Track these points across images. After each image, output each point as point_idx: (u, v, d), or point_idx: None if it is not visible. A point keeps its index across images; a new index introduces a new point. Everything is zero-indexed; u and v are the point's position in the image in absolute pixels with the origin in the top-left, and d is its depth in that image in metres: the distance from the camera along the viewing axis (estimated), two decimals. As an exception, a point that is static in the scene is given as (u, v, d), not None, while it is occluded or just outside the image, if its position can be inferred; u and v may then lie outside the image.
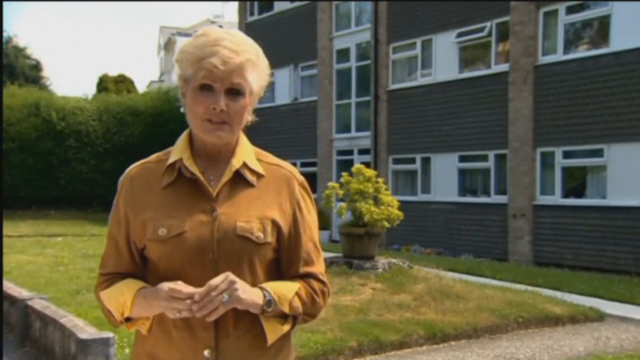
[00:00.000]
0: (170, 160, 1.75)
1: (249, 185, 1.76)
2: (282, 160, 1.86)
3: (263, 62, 1.75)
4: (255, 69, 1.72)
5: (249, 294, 1.64)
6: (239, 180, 1.75)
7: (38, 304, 6.27)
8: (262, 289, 1.69)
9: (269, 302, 1.67)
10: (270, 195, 1.77)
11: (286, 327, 1.75)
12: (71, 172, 22.03)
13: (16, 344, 6.34)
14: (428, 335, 6.73)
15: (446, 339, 6.81)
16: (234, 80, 1.67)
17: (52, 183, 21.74)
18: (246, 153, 1.79)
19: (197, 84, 1.67)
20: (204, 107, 1.67)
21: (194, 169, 1.73)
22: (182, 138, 1.80)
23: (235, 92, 1.68)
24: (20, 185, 20.95)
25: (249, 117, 1.76)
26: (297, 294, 1.74)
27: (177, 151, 1.77)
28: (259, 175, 1.78)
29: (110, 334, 5.08)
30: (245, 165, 1.76)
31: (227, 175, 1.74)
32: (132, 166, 1.83)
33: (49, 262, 10.76)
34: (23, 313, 6.41)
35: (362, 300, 7.52)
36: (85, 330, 5.17)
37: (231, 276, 1.62)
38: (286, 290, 1.72)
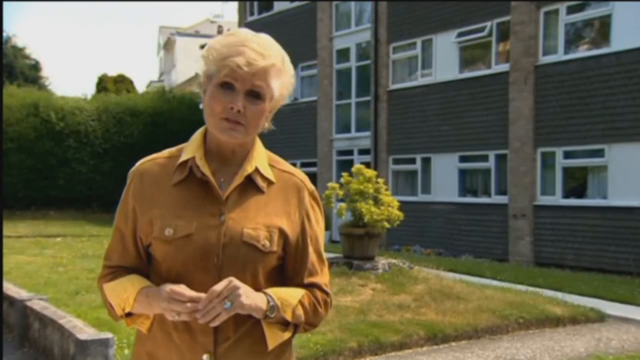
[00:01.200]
0: (183, 158, 1.73)
1: (259, 191, 1.74)
2: (295, 168, 1.84)
3: (289, 70, 1.73)
4: (280, 76, 1.70)
5: (252, 299, 1.62)
6: (250, 186, 1.73)
7: (37, 304, 6.24)
8: (265, 294, 1.67)
9: (272, 308, 1.66)
10: (280, 203, 1.75)
11: (287, 335, 1.73)
12: (70, 173, 21.99)
13: (15, 345, 6.32)
14: (428, 336, 6.71)
15: (446, 340, 6.79)
16: (255, 82, 1.65)
17: (51, 183, 21.70)
18: (259, 158, 1.77)
19: (218, 82, 1.65)
20: (222, 105, 1.65)
21: (205, 169, 1.71)
22: (197, 136, 1.78)
23: (255, 95, 1.66)
24: (20, 186, 20.91)
25: (266, 124, 1.74)
26: (300, 302, 1.72)
27: (190, 149, 1.74)
28: (269, 182, 1.76)
29: (109, 335, 5.06)
30: (257, 170, 1.74)
31: (238, 180, 1.72)
32: (143, 160, 1.80)
33: (48, 263, 10.74)
34: (22, 314, 6.38)
35: (362, 301, 7.50)
36: (85, 331, 5.14)
37: (234, 282, 1.60)
38: (290, 297, 1.71)
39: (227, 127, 1.66)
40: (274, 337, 1.70)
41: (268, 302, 1.66)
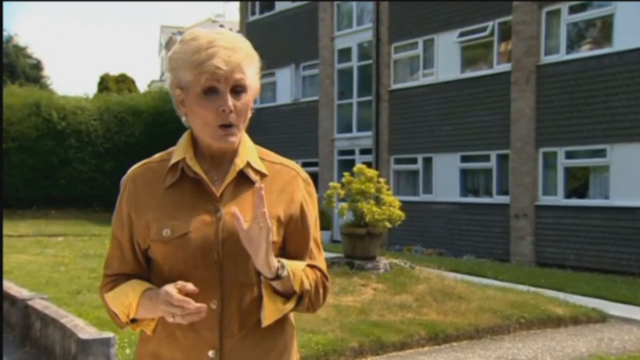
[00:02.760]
0: (173, 160, 1.74)
1: (253, 185, 1.74)
2: (285, 159, 1.85)
3: (256, 56, 1.75)
4: (252, 63, 1.72)
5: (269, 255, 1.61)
6: (243, 180, 1.74)
7: (38, 304, 6.25)
8: (278, 260, 1.66)
9: (282, 267, 1.64)
10: (275, 194, 1.75)
11: (288, 307, 1.70)
12: (72, 172, 21.99)
13: (16, 344, 6.32)
14: (430, 335, 6.71)
15: (448, 340, 6.79)
16: (236, 77, 1.66)
17: (53, 183, 21.70)
18: (249, 152, 1.78)
19: (201, 89, 1.65)
20: (213, 112, 1.65)
21: (197, 168, 1.72)
22: (185, 138, 1.79)
23: (239, 90, 1.67)
24: (21, 185, 20.92)
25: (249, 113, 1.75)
26: (304, 272, 1.72)
27: (180, 151, 1.75)
28: (262, 175, 1.76)
29: (110, 334, 5.06)
30: (248, 164, 1.75)
31: (230, 176, 1.73)
32: (134, 166, 1.81)
33: (50, 262, 10.74)
34: (23, 313, 6.39)
35: (363, 301, 7.50)
36: (86, 331, 5.15)
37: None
38: (295, 266, 1.70)
39: (224, 134, 1.67)
40: (273, 309, 1.67)
41: (279, 261, 1.65)
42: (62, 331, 5.38)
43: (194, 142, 1.76)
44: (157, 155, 1.82)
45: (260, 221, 1.58)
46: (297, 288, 1.68)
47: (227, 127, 1.66)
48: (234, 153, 1.75)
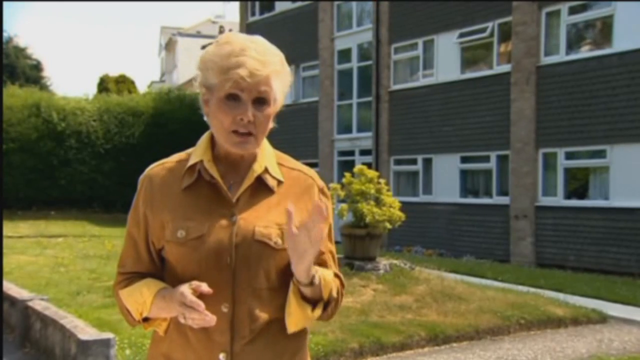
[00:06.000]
0: (191, 162, 1.75)
1: (269, 191, 1.75)
2: (303, 165, 1.85)
3: (286, 69, 1.74)
4: (279, 78, 1.71)
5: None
6: (260, 186, 1.75)
7: (38, 304, 6.25)
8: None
9: (316, 272, 1.66)
10: (290, 201, 1.75)
11: (316, 314, 1.71)
12: (72, 173, 21.96)
13: (16, 345, 6.32)
14: (429, 336, 6.71)
15: (448, 341, 6.79)
16: (260, 89, 1.66)
17: (53, 184, 21.67)
18: (268, 158, 1.78)
19: (224, 94, 1.65)
20: (231, 117, 1.65)
21: (214, 172, 1.72)
22: (204, 140, 1.79)
23: (261, 101, 1.67)
24: (21, 186, 20.89)
25: (271, 125, 1.76)
26: (334, 282, 1.75)
27: (198, 153, 1.76)
28: (279, 181, 1.77)
29: (110, 335, 5.06)
30: (266, 170, 1.75)
31: (248, 181, 1.73)
32: (152, 165, 1.82)
33: (50, 263, 10.74)
34: (23, 314, 6.39)
35: (363, 302, 7.50)
36: (86, 332, 5.15)
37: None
38: (327, 274, 1.72)
39: (239, 141, 1.67)
40: (301, 317, 1.69)
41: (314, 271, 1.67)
42: (62, 332, 5.38)
43: (213, 145, 1.76)
44: (175, 156, 1.82)
45: (313, 236, 1.57)
46: (325, 295, 1.69)
47: (244, 135, 1.67)
48: (252, 158, 1.75)
